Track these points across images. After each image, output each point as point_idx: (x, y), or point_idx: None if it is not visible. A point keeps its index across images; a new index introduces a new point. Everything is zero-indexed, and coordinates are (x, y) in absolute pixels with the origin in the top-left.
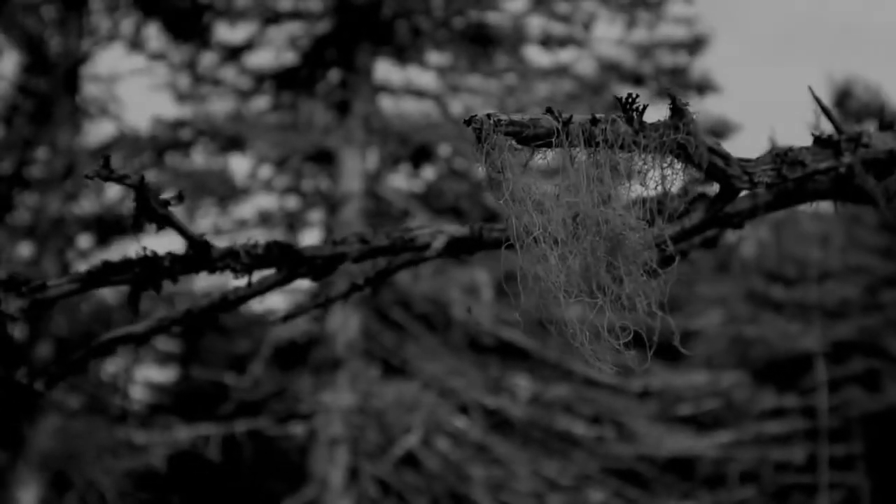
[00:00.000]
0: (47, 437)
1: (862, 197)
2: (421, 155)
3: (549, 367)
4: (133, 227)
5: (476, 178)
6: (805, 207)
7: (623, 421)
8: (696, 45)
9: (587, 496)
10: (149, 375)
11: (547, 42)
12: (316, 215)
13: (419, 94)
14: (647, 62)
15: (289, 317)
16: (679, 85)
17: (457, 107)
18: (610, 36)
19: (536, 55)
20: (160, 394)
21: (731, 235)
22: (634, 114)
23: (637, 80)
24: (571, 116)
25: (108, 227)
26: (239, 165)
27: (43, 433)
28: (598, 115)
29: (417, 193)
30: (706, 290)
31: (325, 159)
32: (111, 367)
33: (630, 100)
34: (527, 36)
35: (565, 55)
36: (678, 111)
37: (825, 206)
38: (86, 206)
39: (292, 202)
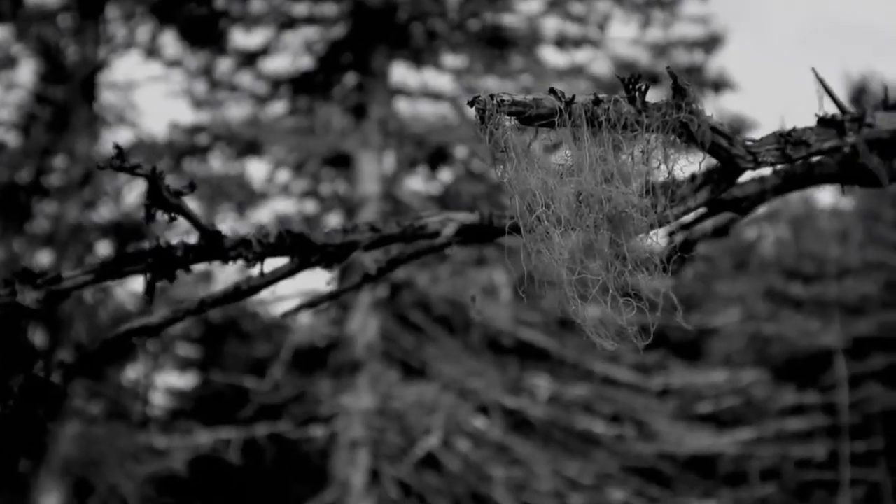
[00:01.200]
0: (69, 443)
1: (868, 179)
2: (438, 157)
3: (568, 366)
4: (145, 217)
5: (493, 179)
6: (824, 205)
7: (643, 419)
8: (711, 43)
9: (608, 495)
10: (169, 381)
11: (562, 43)
12: (334, 219)
13: (435, 96)
14: (663, 61)
15: (301, 308)
16: (695, 83)
17: (473, 109)
18: (625, 36)
19: (552, 56)
20: (181, 399)
21: (749, 232)
22: (637, 94)
23: (653, 79)
24: (574, 97)
25: (126, 234)
26: (256, 170)
27: (65, 439)
28: (600, 96)
29: (434, 195)
30: (725, 288)
31: (342, 163)
32: (132, 373)
33: (632, 80)
34: (542, 37)
35: (581, 56)
36: (680, 90)
37: (844, 202)
38: (104, 213)
39: (310, 206)
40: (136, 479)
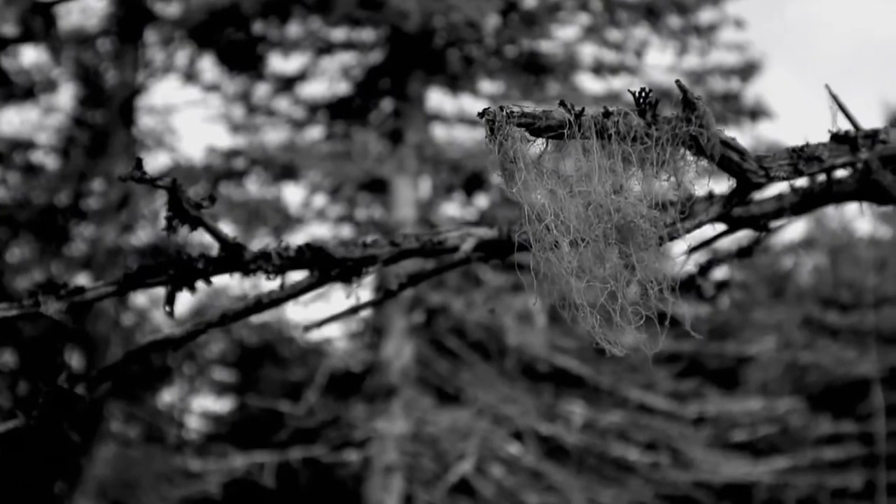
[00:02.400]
0: (105, 465)
1: (883, 196)
2: (473, 183)
3: (603, 393)
4: (166, 229)
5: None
6: (861, 234)
7: (678, 447)
8: (748, 70)
9: None
10: (205, 405)
11: (599, 69)
12: None
13: (471, 122)
14: (700, 88)
15: (325, 322)
16: (732, 111)
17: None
18: (662, 63)
19: (588, 83)
20: (216, 423)
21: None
22: (647, 107)
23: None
24: (583, 109)
25: (164, 257)
26: (293, 195)
27: (100, 461)
28: (610, 108)
29: (470, 221)
30: (762, 316)
31: (378, 188)
32: (168, 396)
33: (643, 94)
34: (579, 63)
35: (617, 82)
36: (690, 104)
37: (882, 231)
38: (142, 236)
39: (346, 231)
40: (170, 501)
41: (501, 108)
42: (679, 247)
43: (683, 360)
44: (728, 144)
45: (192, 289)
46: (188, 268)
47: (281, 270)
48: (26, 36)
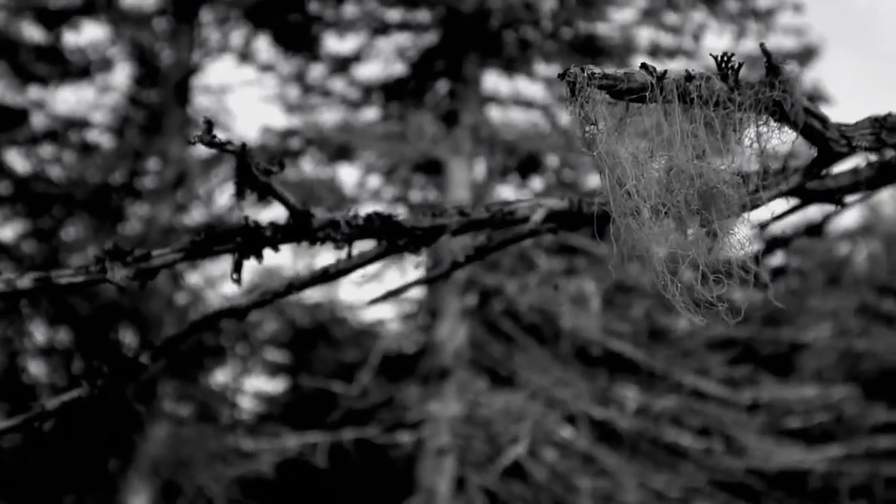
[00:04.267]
0: (158, 445)
1: None
2: (529, 165)
3: (657, 378)
4: (235, 194)
5: (584, 186)
6: None
7: (732, 433)
8: (806, 55)
9: None
10: (258, 385)
11: (655, 53)
12: None
13: (527, 104)
14: (757, 73)
15: (388, 296)
16: None
17: (565, 117)
18: (719, 46)
19: None
20: (269, 403)
21: (842, 247)
22: (730, 71)
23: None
24: (666, 71)
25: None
26: (347, 175)
27: (154, 440)
28: (693, 72)
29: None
30: (817, 303)
31: (433, 169)
32: (221, 376)
33: (726, 58)
34: (636, 47)
35: (674, 66)
36: (774, 69)
37: None
38: (196, 215)
39: (400, 212)
40: (223, 480)
41: (582, 70)
42: (758, 216)
43: (737, 346)
44: (811, 112)
45: (260, 257)
46: (256, 235)
47: (349, 239)
48: (87, 8)
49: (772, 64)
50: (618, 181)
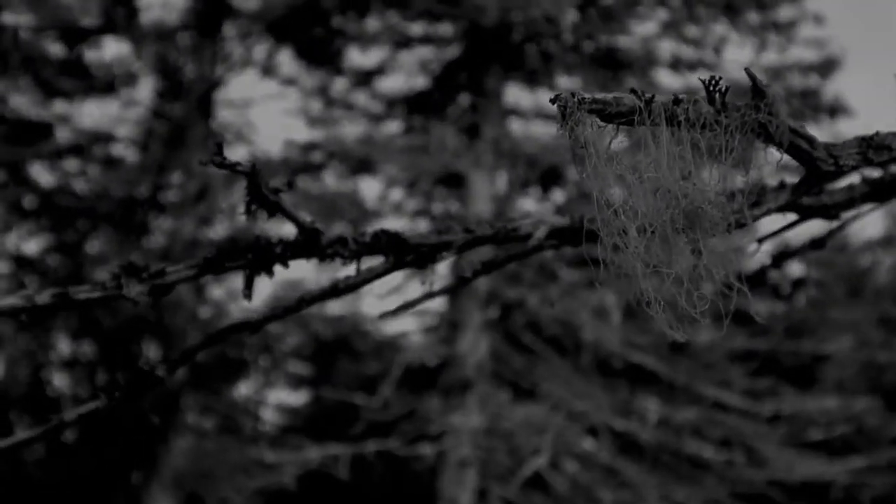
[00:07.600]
0: (181, 457)
1: None
2: (550, 178)
3: (678, 390)
4: (245, 213)
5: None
6: None
7: (753, 445)
8: (827, 67)
9: None
10: (281, 397)
11: (676, 65)
12: None
13: (549, 117)
14: (778, 85)
15: (400, 310)
16: (810, 107)
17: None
18: (740, 59)
19: (666, 78)
20: (292, 415)
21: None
22: (717, 94)
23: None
24: (654, 96)
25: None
26: (369, 188)
27: (177, 452)
28: (680, 95)
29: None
30: (838, 314)
31: (454, 182)
32: (244, 389)
33: (713, 81)
34: (657, 59)
35: (695, 78)
36: (759, 91)
37: None
38: (220, 229)
39: (422, 225)
40: (245, 492)
41: (573, 95)
42: (750, 237)
43: (759, 358)
44: (797, 132)
45: (271, 273)
46: (266, 252)
47: (356, 256)
48: (108, 27)
49: (757, 87)
50: (606, 201)
